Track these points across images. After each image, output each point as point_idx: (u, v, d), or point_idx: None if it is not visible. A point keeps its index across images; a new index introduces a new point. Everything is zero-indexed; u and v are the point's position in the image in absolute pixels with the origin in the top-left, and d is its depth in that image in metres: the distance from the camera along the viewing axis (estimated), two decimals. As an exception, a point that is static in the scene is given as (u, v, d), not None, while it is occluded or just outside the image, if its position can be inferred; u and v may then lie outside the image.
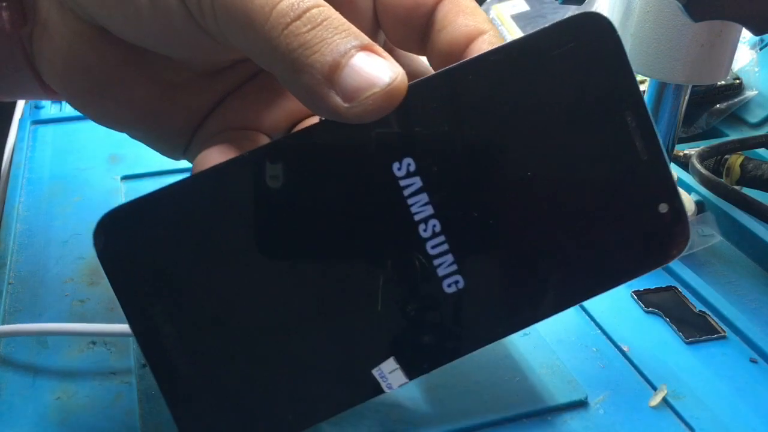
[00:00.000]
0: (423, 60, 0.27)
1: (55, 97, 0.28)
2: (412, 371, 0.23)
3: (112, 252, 0.22)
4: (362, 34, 0.21)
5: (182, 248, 0.23)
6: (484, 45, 0.23)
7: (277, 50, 0.21)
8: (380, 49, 0.21)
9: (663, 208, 0.23)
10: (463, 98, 0.22)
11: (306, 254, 0.23)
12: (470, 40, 0.24)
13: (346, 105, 0.21)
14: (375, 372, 0.23)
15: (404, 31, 0.26)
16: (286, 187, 0.22)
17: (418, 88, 0.22)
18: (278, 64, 0.21)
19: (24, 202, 0.42)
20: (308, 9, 0.21)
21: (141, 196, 0.22)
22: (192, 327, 0.23)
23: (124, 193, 0.43)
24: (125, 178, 0.45)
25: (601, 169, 0.23)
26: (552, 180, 0.23)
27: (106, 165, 0.46)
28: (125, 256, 0.22)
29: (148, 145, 0.29)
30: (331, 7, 0.21)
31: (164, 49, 0.25)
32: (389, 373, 0.23)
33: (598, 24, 0.22)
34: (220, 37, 0.22)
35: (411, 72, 0.23)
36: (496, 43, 0.23)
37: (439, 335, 0.23)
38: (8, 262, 0.37)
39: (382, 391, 0.23)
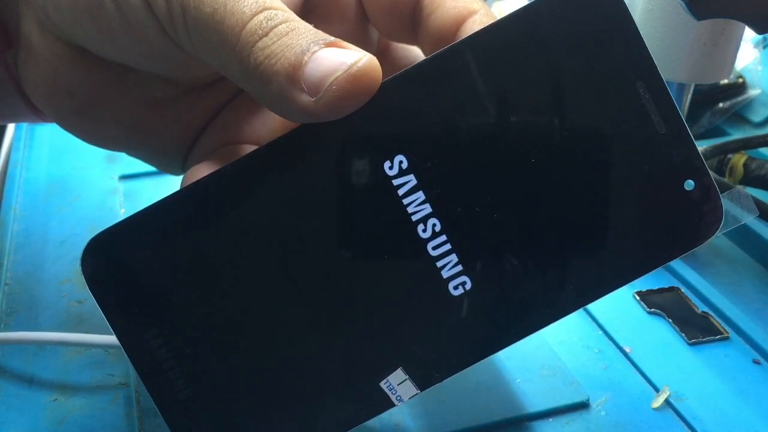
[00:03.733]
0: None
1: (45, 119, 0.28)
2: (422, 382, 0.22)
3: (100, 278, 0.22)
4: (330, 37, 0.20)
5: (172, 268, 0.22)
6: (475, 25, 0.23)
7: (247, 68, 0.20)
8: (348, 44, 0.20)
9: (689, 185, 0.21)
10: (453, 85, 0.21)
11: (301, 265, 0.22)
12: (460, 22, 0.23)
13: (312, 99, 0.20)
14: (383, 385, 0.22)
15: (392, 21, 0.25)
16: (272, 197, 0.21)
17: (402, 78, 0.21)
18: (250, 82, 0.21)
19: (21, 202, 0.42)
20: (276, 25, 0.20)
21: (125, 218, 0.22)
22: (189, 348, 0.22)
23: (122, 193, 0.43)
24: (123, 177, 0.45)
25: (614, 148, 0.21)
26: (560, 164, 0.21)
27: (103, 164, 0.46)
28: (114, 281, 0.22)
29: (145, 162, 0.28)
30: (301, 20, 0.21)
31: (144, 65, 0.24)
32: (398, 384, 0.22)
33: None
34: (194, 53, 0.22)
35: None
36: (488, 23, 0.22)
37: (447, 342, 0.22)
38: (5, 263, 0.36)
39: (392, 405, 0.22)
